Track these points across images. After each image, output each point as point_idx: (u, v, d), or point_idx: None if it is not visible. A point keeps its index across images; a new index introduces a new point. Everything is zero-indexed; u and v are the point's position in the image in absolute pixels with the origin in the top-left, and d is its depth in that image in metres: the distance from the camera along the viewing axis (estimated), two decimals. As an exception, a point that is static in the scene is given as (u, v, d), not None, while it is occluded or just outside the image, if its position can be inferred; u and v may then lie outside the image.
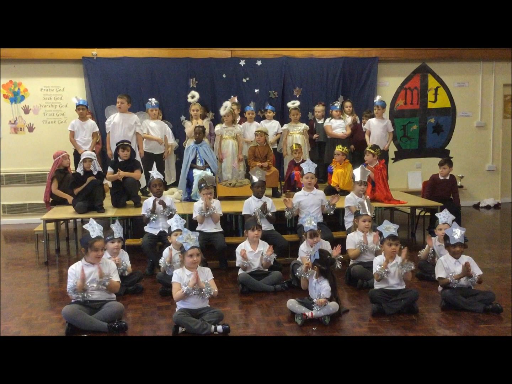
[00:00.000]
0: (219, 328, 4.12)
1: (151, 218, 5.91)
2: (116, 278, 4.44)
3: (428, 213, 7.45)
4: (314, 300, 4.38)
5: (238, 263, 5.29)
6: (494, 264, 5.90)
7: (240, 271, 5.28)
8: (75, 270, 4.30)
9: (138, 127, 7.61)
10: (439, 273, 4.70)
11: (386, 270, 4.55)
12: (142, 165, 7.17)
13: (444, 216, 5.40)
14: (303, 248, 5.31)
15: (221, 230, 6.03)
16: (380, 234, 4.82)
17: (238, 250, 5.33)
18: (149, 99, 7.95)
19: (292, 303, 4.45)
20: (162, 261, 5.05)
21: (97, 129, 7.88)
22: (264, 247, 5.37)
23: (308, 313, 4.33)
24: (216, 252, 5.92)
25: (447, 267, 4.66)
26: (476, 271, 4.65)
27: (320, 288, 4.44)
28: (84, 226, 4.47)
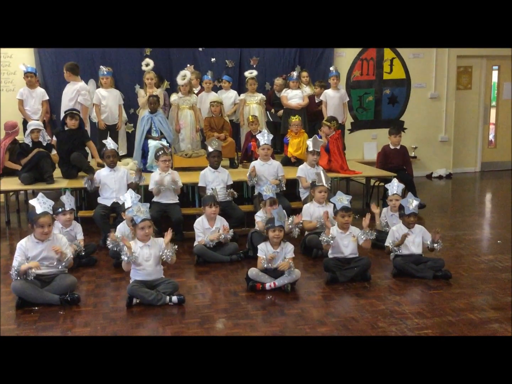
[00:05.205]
0: (174, 298, 4.11)
1: (90, 189, 5.86)
2: (69, 254, 4.33)
3: (382, 183, 7.57)
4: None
5: (197, 237, 5.26)
6: (445, 232, 6.04)
7: (196, 243, 5.25)
8: (24, 247, 4.15)
9: (81, 96, 7.15)
10: (387, 242, 4.84)
11: (330, 236, 4.61)
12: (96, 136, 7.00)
13: (393, 187, 5.49)
14: (260, 214, 5.36)
15: (177, 201, 5.97)
16: (334, 205, 4.88)
17: (196, 225, 5.30)
18: (100, 67, 7.68)
19: (255, 272, 4.45)
20: (109, 242, 4.72)
21: (47, 97, 7.62)
22: (221, 223, 5.33)
23: (271, 283, 4.38)
24: (172, 224, 5.85)
25: (399, 237, 4.78)
26: (427, 237, 4.81)
27: (286, 252, 4.50)
28: (30, 201, 4.29)
